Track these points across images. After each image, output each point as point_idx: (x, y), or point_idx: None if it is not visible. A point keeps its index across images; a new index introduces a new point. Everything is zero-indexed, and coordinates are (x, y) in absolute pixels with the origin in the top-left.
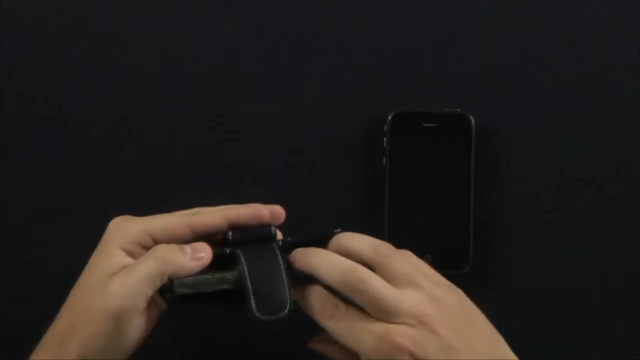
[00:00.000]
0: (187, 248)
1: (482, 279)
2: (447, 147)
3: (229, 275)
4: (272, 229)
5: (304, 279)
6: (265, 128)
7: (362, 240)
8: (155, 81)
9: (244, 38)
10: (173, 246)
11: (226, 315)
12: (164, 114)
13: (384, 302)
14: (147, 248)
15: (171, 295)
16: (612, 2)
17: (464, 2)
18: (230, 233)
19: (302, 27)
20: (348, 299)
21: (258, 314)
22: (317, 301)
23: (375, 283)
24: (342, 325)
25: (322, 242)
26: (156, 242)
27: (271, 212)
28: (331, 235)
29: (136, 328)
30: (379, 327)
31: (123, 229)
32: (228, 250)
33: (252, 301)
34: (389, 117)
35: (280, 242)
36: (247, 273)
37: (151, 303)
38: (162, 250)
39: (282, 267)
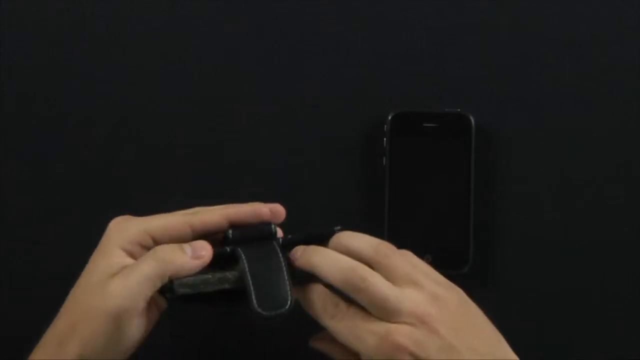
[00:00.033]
0: (187, 247)
1: (482, 279)
2: (447, 147)
3: (230, 274)
4: (273, 227)
5: (305, 277)
6: (265, 128)
7: (362, 239)
8: (155, 81)
9: (244, 38)
10: (173, 246)
11: (226, 315)
12: (164, 114)
13: (385, 301)
14: (147, 248)
15: (172, 295)
16: (612, 2)
17: (464, 2)
18: (230, 231)
19: (302, 27)
20: (349, 297)
21: (259, 310)
22: (318, 300)
23: (376, 282)
24: (343, 324)
25: (322, 240)
26: (156, 242)
27: (271, 211)
28: (331, 233)
29: (136, 328)
30: (380, 327)
31: (123, 229)
32: (229, 249)
33: (253, 297)
34: (389, 117)
35: (280, 240)
36: (247, 270)
37: (151, 303)
38: (162, 250)
39: (283, 264)
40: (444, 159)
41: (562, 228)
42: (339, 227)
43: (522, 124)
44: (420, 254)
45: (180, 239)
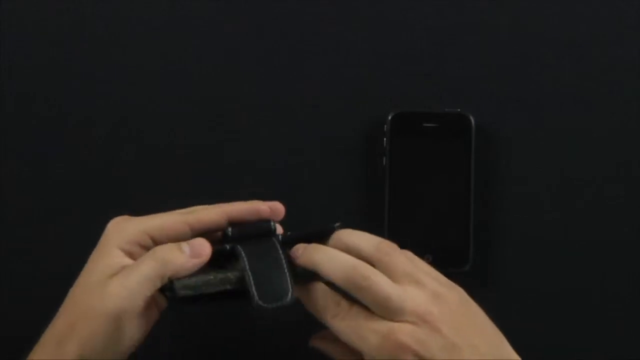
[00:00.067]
0: (185, 246)
1: (482, 279)
2: (447, 147)
3: (231, 275)
4: (272, 224)
5: (306, 276)
6: (265, 128)
7: (363, 237)
8: (155, 81)
9: (244, 38)
10: (171, 245)
11: (226, 315)
12: (164, 114)
13: (388, 300)
14: (146, 248)
15: (173, 297)
16: (612, 2)
17: (464, 2)
18: (229, 229)
19: (302, 27)
20: (351, 296)
21: (260, 302)
22: (320, 298)
23: (379, 280)
24: (345, 323)
25: (322, 237)
26: (155, 241)
27: (271, 208)
28: (331, 230)
29: (135, 328)
30: (383, 326)
31: (122, 229)
32: (228, 246)
33: (254, 291)
34: (389, 117)
35: (280, 237)
36: (247, 267)
37: (151, 303)
38: (161, 250)
39: (283, 260)
40: (444, 159)
41: (562, 228)
42: (338, 224)
43: (522, 124)
44: (420, 254)
45: (179, 238)
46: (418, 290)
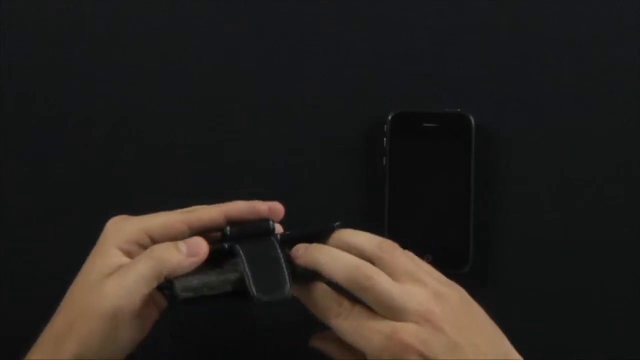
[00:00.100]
0: (182, 245)
1: (482, 279)
2: (447, 147)
3: (232, 276)
4: (270, 223)
5: (306, 276)
6: (265, 128)
7: (364, 236)
8: (155, 81)
9: (244, 38)
10: (168, 244)
11: (226, 315)
12: (164, 114)
13: (391, 299)
14: (144, 247)
15: (173, 298)
16: (612, 2)
17: (464, 2)
18: (228, 228)
19: (302, 27)
20: (352, 296)
21: (257, 294)
22: (322, 299)
23: (382, 280)
24: (347, 323)
25: (321, 236)
26: (153, 240)
27: (270, 209)
28: (330, 229)
29: (133, 327)
30: (386, 326)
31: (120, 229)
32: (226, 245)
33: (252, 284)
34: (389, 117)
35: (279, 236)
36: (246, 265)
37: (150, 302)
38: (158, 249)
39: (282, 259)
40: (444, 159)
41: (562, 228)
42: (338, 223)
43: (522, 124)
44: (420, 254)
45: (177, 238)
46: (420, 289)
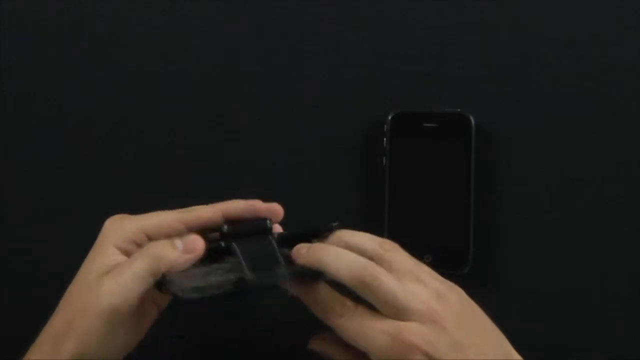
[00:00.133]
0: (178, 242)
1: (482, 279)
2: (447, 147)
3: (232, 276)
4: (268, 222)
5: (306, 275)
6: (265, 128)
7: (364, 236)
8: (155, 81)
9: (244, 38)
10: (164, 241)
11: (226, 315)
12: (164, 114)
13: (396, 299)
14: (142, 246)
15: (177, 298)
16: (612, 2)
17: (464, 2)
18: (225, 226)
19: (302, 27)
20: (355, 296)
21: (251, 276)
22: (325, 299)
23: (387, 280)
24: (351, 323)
25: (319, 236)
26: (151, 239)
27: (269, 210)
28: (328, 229)
29: (132, 326)
30: (391, 326)
31: (118, 228)
32: (223, 244)
33: (246, 269)
34: (389, 117)
35: (276, 235)
36: (241, 258)
37: (149, 301)
38: (154, 246)
39: (279, 258)
40: (444, 159)
41: (562, 228)
42: (335, 224)
43: (522, 124)
44: (420, 254)
45: (175, 236)
46: (422, 289)
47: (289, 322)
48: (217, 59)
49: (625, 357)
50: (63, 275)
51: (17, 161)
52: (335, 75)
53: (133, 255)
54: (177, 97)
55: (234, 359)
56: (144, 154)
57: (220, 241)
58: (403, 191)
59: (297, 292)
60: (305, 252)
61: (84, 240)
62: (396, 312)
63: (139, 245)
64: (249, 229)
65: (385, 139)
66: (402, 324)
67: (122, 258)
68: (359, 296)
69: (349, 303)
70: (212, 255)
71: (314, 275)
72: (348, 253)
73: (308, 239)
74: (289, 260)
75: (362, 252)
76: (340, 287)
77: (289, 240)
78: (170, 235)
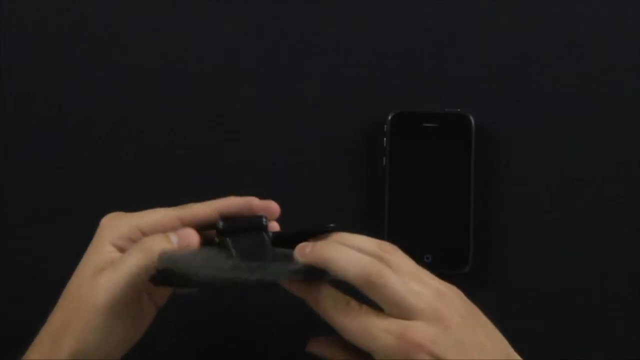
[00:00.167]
0: (173, 236)
1: (482, 279)
2: (447, 147)
3: (227, 266)
4: (263, 219)
5: (309, 275)
6: (265, 128)
7: (362, 238)
8: (155, 81)
9: (244, 38)
10: (159, 235)
11: (226, 315)
12: (164, 114)
13: (402, 298)
14: None
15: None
16: (612, 2)
17: (464, 2)
18: (220, 222)
19: (302, 27)
20: (358, 295)
21: (239, 257)
22: (329, 298)
23: (393, 279)
24: (356, 323)
25: (315, 236)
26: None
27: (265, 208)
28: (326, 230)
29: (130, 322)
30: (396, 325)
31: (114, 225)
32: (217, 239)
33: (235, 254)
34: (389, 117)
35: (271, 234)
36: (233, 251)
37: (146, 298)
38: (148, 241)
39: (272, 254)
40: (444, 159)
41: (562, 228)
42: (332, 225)
43: (522, 124)
44: (420, 254)
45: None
46: (424, 289)
47: (289, 322)
48: (217, 59)
49: (625, 357)
50: (63, 275)
51: (17, 161)
52: (335, 75)
53: (128, 250)
54: (177, 97)
55: (234, 359)
56: (144, 154)
57: (215, 237)
58: (403, 191)
59: (298, 291)
60: (309, 251)
61: (84, 240)
62: (401, 311)
63: (135, 243)
64: (244, 226)
65: (385, 139)
66: (407, 323)
67: (117, 255)
68: (362, 296)
69: (352, 302)
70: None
71: (315, 274)
72: (353, 251)
73: (305, 239)
74: (289, 260)
75: (363, 252)
76: (341, 287)
77: (285, 239)
78: (166, 232)
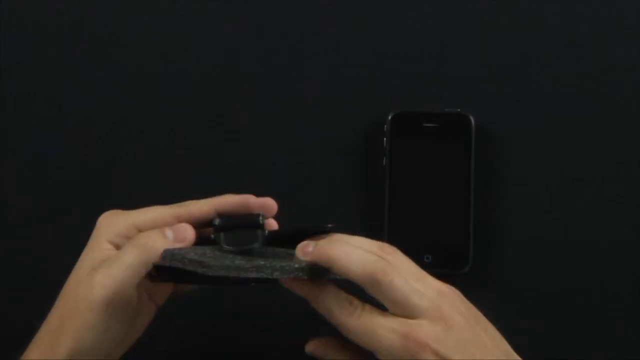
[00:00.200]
0: (169, 231)
1: (482, 279)
2: (447, 147)
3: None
4: (260, 217)
5: (311, 274)
6: (265, 128)
7: (363, 240)
8: (155, 81)
9: (244, 38)
10: (155, 231)
11: (226, 315)
12: (164, 114)
13: (407, 297)
14: None
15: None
16: (612, 2)
17: (464, 2)
18: (217, 219)
19: (302, 27)
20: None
21: (226, 245)
22: (332, 297)
23: (398, 278)
24: (359, 322)
25: (313, 236)
26: None
27: (262, 205)
28: (323, 230)
29: (128, 320)
30: (400, 324)
31: (111, 223)
32: (213, 236)
33: (222, 237)
34: (389, 117)
35: (266, 232)
36: (227, 248)
37: (145, 297)
38: (144, 236)
39: (272, 253)
40: (444, 159)
41: (562, 228)
42: (331, 225)
43: (522, 124)
44: (420, 254)
45: None
46: (427, 288)
47: (289, 322)
48: (217, 59)
49: (625, 357)
50: (63, 275)
51: (17, 161)
52: (335, 75)
53: (123, 246)
54: (177, 97)
55: (234, 359)
56: (144, 154)
57: (211, 234)
58: (403, 191)
59: (300, 290)
60: (312, 249)
61: (83, 240)
62: (405, 310)
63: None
64: (240, 223)
65: (385, 139)
66: (411, 322)
67: (114, 252)
68: (363, 296)
69: (356, 301)
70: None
71: (318, 273)
72: (358, 250)
73: (302, 238)
74: (289, 258)
75: None
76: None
77: (282, 237)
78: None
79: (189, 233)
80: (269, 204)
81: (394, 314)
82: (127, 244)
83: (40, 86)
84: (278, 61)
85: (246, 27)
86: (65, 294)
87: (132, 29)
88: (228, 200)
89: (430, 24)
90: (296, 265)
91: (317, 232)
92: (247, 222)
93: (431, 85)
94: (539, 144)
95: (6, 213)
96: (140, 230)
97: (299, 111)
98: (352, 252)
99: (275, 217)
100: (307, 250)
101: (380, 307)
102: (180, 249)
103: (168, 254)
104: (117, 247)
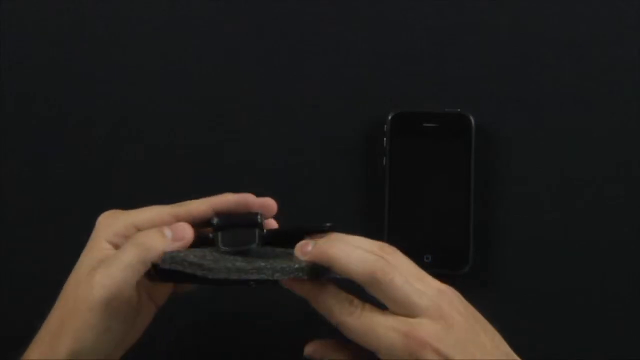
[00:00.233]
0: (167, 230)
1: (482, 279)
2: (447, 147)
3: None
4: (258, 216)
5: (310, 273)
6: (265, 128)
7: (362, 239)
8: (155, 81)
9: (244, 38)
10: (153, 230)
11: (226, 315)
12: (164, 114)
13: (407, 295)
14: None
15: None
16: (612, 2)
17: (464, 2)
18: (215, 219)
19: (302, 27)
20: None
21: (223, 247)
22: (333, 297)
23: (398, 277)
24: (359, 321)
25: (310, 235)
26: None
27: (262, 205)
28: (321, 229)
29: (128, 320)
30: (401, 323)
31: (110, 223)
32: (211, 235)
33: (220, 238)
34: (389, 117)
35: (264, 231)
36: (224, 248)
37: (145, 297)
38: (142, 236)
39: (272, 253)
40: (444, 159)
41: (562, 228)
42: (329, 224)
43: (522, 124)
44: (420, 254)
45: None
46: (427, 288)
47: (289, 322)
48: (217, 59)
49: (625, 357)
50: (63, 275)
51: (17, 161)
52: (335, 75)
53: (122, 246)
54: (177, 97)
55: (234, 359)
56: (144, 154)
57: (210, 234)
58: (403, 191)
59: (300, 290)
60: (312, 249)
61: (84, 240)
62: (406, 309)
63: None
64: (238, 222)
65: (385, 139)
66: (412, 320)
67: (113, 252)
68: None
69: (356, 301)
70: (199, 245)
71: (318, 272)
72: (358, 249)
73: (300, 238)
74: (289, 258)
75: None
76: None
77: (280, 237)
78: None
79: (187, 232)
80: (269, 203)
81: (395, 313)
82: (126, 244)
83: (40, 86)
84: (278, 61)
85: (246, 27)
86: (65, 294)
87: (132, 29)
88: (227, 200)
89: (430, 24)
90: (296, 266)
91: (315, 230)
92: (246, 221)
93: (431, 85)
94: (539, 144)
95: (6, 213)
96: (139, 230)
97: (299, 111)
98: (352, 252)
99: (275, 217)
100: (307, 249)
101: (380, 306)
102: (180, 251)
103: (168, 256)
104: (116, 246)
